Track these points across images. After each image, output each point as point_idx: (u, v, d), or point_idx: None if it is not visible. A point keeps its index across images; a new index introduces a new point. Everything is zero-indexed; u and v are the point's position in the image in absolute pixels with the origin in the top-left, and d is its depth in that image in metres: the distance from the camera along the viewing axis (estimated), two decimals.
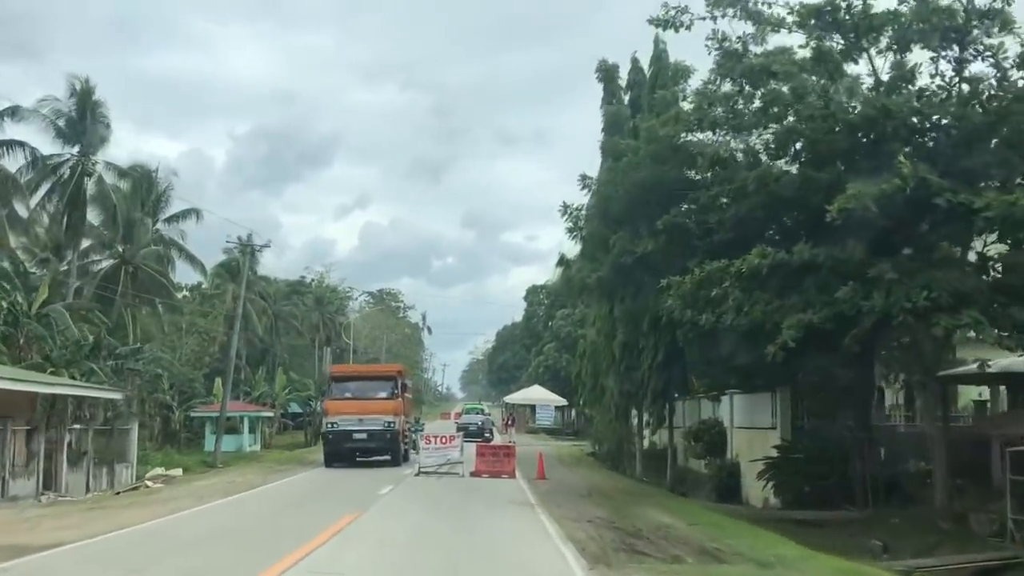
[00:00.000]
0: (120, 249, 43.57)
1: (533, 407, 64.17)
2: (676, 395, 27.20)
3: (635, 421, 30.76)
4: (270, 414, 49.13)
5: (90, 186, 41.17)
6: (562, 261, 28.74)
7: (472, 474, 25.75)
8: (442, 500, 19.76)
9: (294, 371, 60.85)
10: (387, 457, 29.62)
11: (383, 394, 30.01)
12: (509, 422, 52.71)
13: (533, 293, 76.61)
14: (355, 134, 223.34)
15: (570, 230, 23.02)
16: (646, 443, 31.16)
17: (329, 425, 29.79)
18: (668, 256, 19.21)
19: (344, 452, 29.51)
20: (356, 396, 30.00)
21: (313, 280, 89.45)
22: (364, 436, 29.25)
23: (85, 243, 43.33)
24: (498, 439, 45.71)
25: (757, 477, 22.31)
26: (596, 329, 30.42)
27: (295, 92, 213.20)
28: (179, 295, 53.43)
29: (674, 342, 23.67)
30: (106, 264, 43.40)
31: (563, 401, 63.28)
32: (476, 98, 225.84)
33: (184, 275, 53.32)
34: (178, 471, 30.42)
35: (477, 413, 60.31)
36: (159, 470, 29.92)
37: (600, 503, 19.95)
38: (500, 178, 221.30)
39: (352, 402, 29.66)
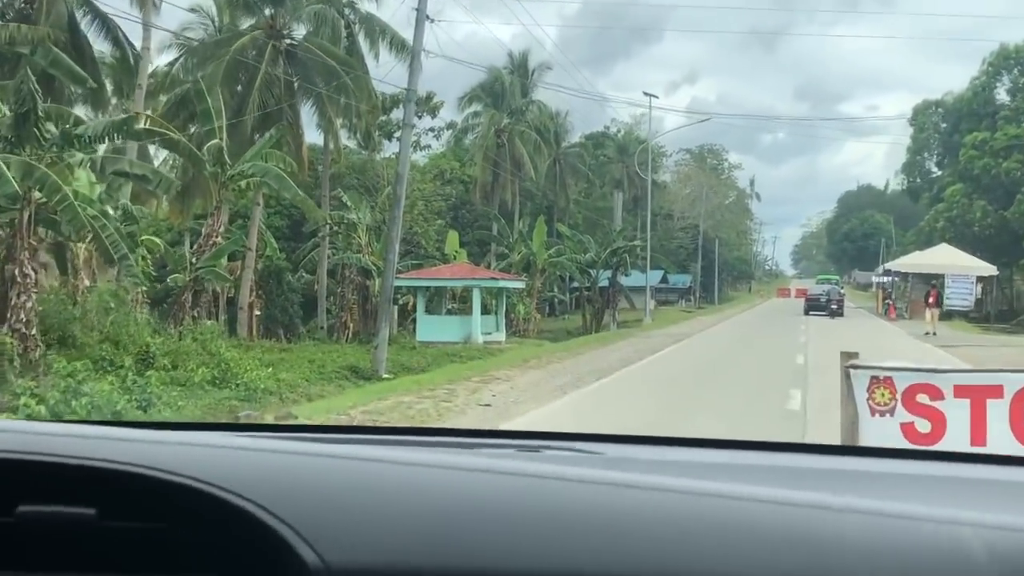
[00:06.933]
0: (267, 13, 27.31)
1: (940, 278, 40.19)
2: None
3: None
4: (520, 284, 31.28)
5: None
6: None
7: None
8: None
9: (588, 233, 44.36)
10: None
11: None
12: (930, 300, 30.25)
13: (923, 114, 51.65)
14: (685, 6, 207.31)
15: None
16: None
17: None
18: None
19: None
20: None
21: (619, 131, 72.89)
22: None
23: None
24: (886, 336, 24.77)
25: None
26: None
27: None
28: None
29: None
30: (241, 41, 26.57)
31: (990, 269, 39.72)
32: None
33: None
34: None
35: (832, 284, 54.73)
36: None
37: None
38: (838, 45, 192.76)
39: None
